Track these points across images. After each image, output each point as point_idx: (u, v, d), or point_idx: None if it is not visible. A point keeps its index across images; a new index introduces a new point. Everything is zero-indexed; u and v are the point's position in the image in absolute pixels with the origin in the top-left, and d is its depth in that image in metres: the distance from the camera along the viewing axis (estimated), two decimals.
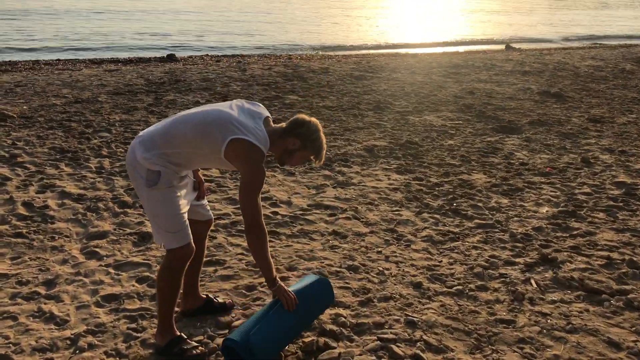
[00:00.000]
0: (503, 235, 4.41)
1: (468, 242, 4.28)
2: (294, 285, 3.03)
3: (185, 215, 2.80)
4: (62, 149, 5.95)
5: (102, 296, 3.36)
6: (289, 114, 7.91)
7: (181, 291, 3.26)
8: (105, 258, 3.84)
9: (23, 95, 8.23)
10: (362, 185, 5.43)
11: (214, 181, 5.33)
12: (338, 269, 3.76)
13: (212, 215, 3.17)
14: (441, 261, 3.95)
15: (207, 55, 13.62)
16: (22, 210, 4.46)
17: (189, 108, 7.94)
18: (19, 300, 3.29)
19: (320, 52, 16.26)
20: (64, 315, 3.15)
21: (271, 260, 2.78)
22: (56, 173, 5.29)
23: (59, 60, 11.90)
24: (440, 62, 13.85)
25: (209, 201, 4.86)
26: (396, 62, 13.55)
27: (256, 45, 16.94)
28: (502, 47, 20.10)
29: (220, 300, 3.29)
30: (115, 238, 4.14)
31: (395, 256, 4.00)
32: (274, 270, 2.81)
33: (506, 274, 3.78)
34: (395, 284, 3.60)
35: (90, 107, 7.61)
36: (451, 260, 3.96)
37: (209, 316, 3.18)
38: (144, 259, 3.84)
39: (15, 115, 7.02)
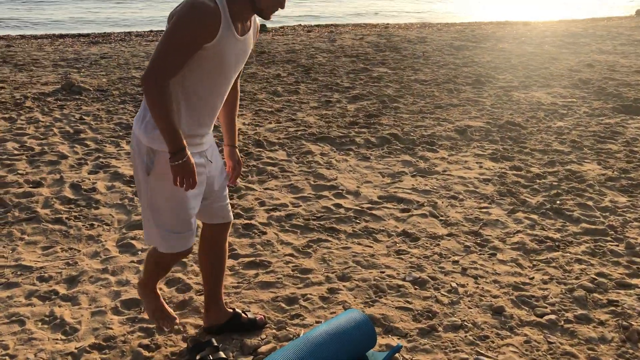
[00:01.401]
0: (617, 246, 3.53)
1: (570, 252, 3.44)
2: (332, 320, 2.41)
3: (195, 211, 2.30)
4: (128, 125, 5.67)
5: (122, 301, 2.94)
6: (375, 88, 7.21)
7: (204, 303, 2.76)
8: (139, 253, 3.43)
9: (106, 67, 8.13)
10: (447, 175, 4.68)
11: (278, 165, 4.80)
12: (400, 283, 3.10)
13: (232, 216, 2.61)
14: (533, 278, 3.17)
15: (300, 25, 13.09)
16: (68, 193, 4.17)
17: (269, 82, 7.54)
18: (34, 299, 2.94)
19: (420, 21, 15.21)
20: (75, 323, 2.76)
21: (177, 126, 2.01)
22: (114, 152, 4.99)
23: (151, 31, 11.86)
24: (556, 30, 12.43)
25: (266, 188, 4.35)
26: (504, 31, 12.31)
27: (353, 14, 16.16)
28: (632, 13, 17.93)
29: (250, 315, 2.75)
30: None
31: (475, 268, 3.26)
32: (182, 138, 2.03)
33: (618, 300, 2.94)
34: (469, 307, 2.88)
35: None
36: (546, 277, 3.17)
37: (235, 335, 2.66)
38: None
39: (91, 89, 6.88)
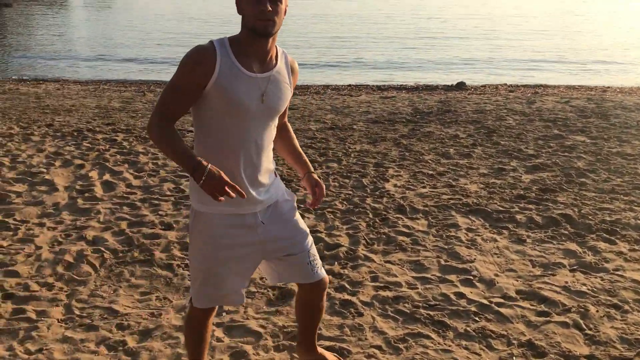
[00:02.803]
0: None
1: None
2: None
3: (228, 274, 2.21)
4: (285, 180, 5.64)
5: None
6: (563, 158, 6.28)
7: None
8: (224, 314, 3.24)
9: (289, 118, 8.38)
10: (618, 275, 3.73)
11: (412, 236, 4.29)
12: None
13: (321, 274, 2.36)
14: None
15: (505, 84, 12.25)
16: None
17: (443, 142, 7.01)
18: (101, 348, 2.90)
19: None
20: None
21: (186, 148, 1.96)
22: None
23: (349, 85, 12.09)
24: None
25: (387, 261, 3.88)
26: None
27: (571, 74, 14.70)
28: None
29: None
30: (253, 290, 3.51)
31: None
32: (193, 155, 1.95)
33: None
34: None
35: (340, 134, 7.28)
36: None
37: None
38: (261, 325, 3.11)
39: None
